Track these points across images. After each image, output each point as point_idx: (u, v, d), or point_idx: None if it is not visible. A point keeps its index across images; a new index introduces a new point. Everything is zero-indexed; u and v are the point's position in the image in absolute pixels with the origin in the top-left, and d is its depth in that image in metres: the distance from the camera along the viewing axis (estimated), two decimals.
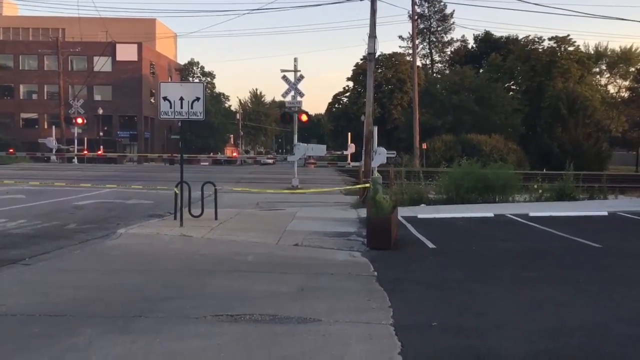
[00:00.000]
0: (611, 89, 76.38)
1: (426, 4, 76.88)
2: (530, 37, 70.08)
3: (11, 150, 52.89)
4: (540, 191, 22.31)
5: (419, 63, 65.24)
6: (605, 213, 18.19)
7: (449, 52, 79.58)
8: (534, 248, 12.43)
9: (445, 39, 79.01)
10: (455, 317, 6.96)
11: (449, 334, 6.30)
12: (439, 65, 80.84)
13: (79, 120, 55.31)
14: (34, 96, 77.36)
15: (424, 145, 48.07)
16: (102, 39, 69.90)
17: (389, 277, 9.14)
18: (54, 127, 58.06)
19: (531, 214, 17.46)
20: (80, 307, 7.12)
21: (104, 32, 65.89)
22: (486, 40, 73.66)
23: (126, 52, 74.49)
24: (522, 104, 61.47)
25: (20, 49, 77.14)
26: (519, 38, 71.20)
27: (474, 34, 75.83)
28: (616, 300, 8.01)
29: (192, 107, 14.09)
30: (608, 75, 76.19)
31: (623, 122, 70.71)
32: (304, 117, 31.08)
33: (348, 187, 26.48)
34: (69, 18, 65.88)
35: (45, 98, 75.33)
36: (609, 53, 74.00)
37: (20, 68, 77.01)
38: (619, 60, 73.35)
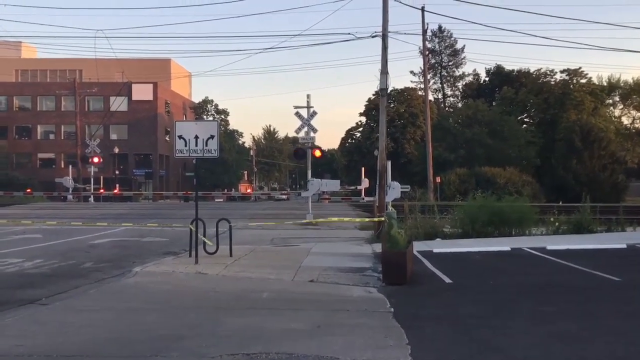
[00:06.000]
0: (625, 120, 76.25)
1: (437, 40, 77.64)
2: (542, 70, 70.43)
3: (28, 190, 53.43)
4: (557, 224, 22.09)
5: (431, 97, 65.61)
6: (624, 246, 17.94)
7: (460, 86, 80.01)
8: (552, 282, 12.26)
9: (457, 73, 79.56)
10: (474, 354, 6.86)
11: None
12: (451, 99, 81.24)
13: (95, 160, 55.86)
14: (51, 136, 78.53)
15: (438, 179, 47.94)
16: (118, 79, 71.11)
17: (406, 313, 9.05)
18: (70, 166, 58.78)
19: (548, 247, 17.28)
20: (96, 347, 7.11)
21: (120, 72, 67.11)
22: (498, 74, 74.00)
23: (142, 92, 75.59)
24: (536, 136, 61.40)
25: (38, 91, 78.60)
26: (531, 71, 71.59)
27: (485, 68, 76.16)
28: (638, 334, 7.85)
29: (206, 145, 14.26)
30: (622, 106, 76.08)
31: (638, 153, 70.20)
32: (317, 153, 31.20)
33: (362, 220, 26.40)
34: (86, 59, 66.96)
35: (63, 138, 76.44)
36: (622, 84, 73.97)
37: (38, 109, 78.34)
38: (632, 92, 73.23)
